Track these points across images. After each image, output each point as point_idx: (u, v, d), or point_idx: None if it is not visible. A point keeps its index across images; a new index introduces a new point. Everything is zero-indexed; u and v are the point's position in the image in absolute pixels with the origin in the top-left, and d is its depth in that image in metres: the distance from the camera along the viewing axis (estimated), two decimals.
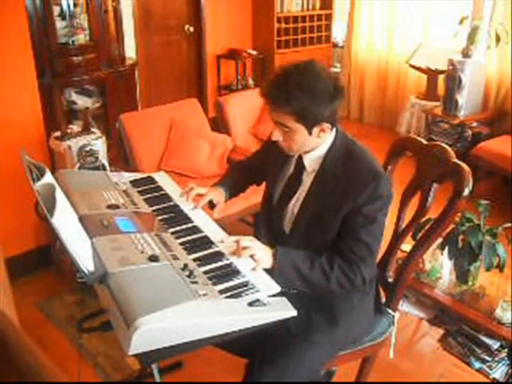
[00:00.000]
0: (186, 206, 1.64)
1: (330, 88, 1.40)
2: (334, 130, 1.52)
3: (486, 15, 4.25)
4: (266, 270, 1.39)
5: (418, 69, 4.70)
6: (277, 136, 1.49)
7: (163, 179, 1.84)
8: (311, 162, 1.53)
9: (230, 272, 1.33)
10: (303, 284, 1.45)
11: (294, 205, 1.57)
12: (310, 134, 1.44)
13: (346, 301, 1.57)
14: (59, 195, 1.29)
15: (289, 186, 1.59)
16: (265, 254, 1.42)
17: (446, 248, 2.49)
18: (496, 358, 2.29)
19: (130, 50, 4.30)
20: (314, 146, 1.50)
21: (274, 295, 1.29)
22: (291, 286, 1.45)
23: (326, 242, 1.51)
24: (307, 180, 1.55)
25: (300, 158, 1.55)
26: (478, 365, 2.28)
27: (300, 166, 1.56)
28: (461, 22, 4.32)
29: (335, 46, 5.73)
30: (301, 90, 1.36)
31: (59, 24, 3.55)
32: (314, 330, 1.53)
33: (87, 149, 2.62)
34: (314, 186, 1.53)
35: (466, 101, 4.12)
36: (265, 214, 1.70)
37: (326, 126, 1.44)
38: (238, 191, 1.86)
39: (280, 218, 1.61)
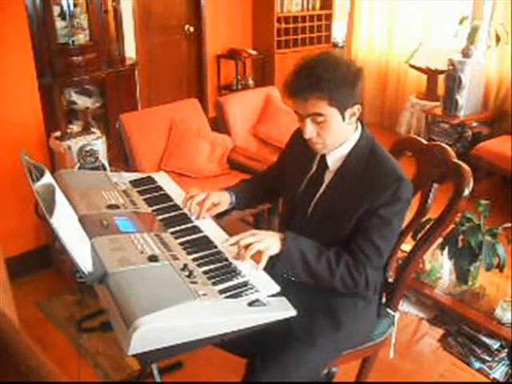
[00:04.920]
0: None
1: (352, 69, 1.42)
2: (360, 129, 1.52)
3: (486, 15, 4.25)
4: (272, 258, 1.38)
5: (418, 69, 4.70)
6: (310, 132, 1.45)
7: (163, 179, 1.84)
8: (334, 161, 1.52)
9: (230, 272, 1.33)
10: (307, 274, 1.44)
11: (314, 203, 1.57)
12: (344, 118, 1.44)
13: (350, 306, 1.57)
14: (58, 195, 1.28)
15: (310, 185, 1.58)
16: (271, 241, 1.40)
17: (446, 248, 2.49)
18: (496, 358, 2.29)
19: (130, 50, 4.30)
20: (346, 136, 1.49)
21: (273, 295, 1.29)
22: (294, 274, 1.44)
23: (338, 240, 1.50)
24: (328, 179, 1.54)
25: (323, 157, 1.54)
26: (478, 365, 2.27)
27: (323, 166, 1.55)
28: (461, 22, 4.32)
29: (335, 45, 5.72)
30: (329, 73, 1.37)
31: (59, 24, 3.55)
32: (316, 333, 1.52)
33: (87, 149, 2.62)
34: (333, 183, 1.52)
35: (466, 101, 4.12)
36: (285, 215, 1.69)
37: (357, 107, 1.45)
38: (249, 200, 1.78)
39: (302, 217, 1.59)
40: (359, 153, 1.50)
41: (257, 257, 1.39)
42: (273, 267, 1.38)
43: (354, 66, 1.43)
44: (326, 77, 1.37)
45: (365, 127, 1.55)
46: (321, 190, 1.55)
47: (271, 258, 1.40)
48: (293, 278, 1.46)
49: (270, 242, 1.40)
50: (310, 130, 1.45)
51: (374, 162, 1.49)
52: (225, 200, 1.67)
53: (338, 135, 1.48)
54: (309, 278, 1.45)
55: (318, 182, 1.56)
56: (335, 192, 1.51)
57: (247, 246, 1.38)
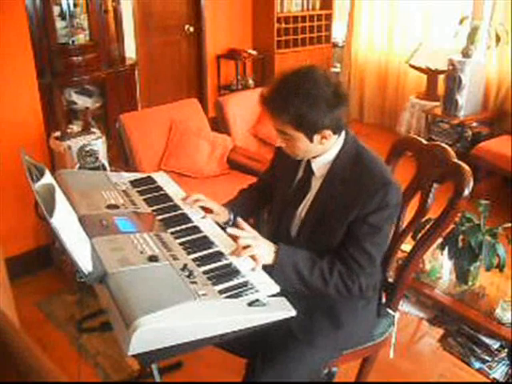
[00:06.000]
0: (186, 207, 1.64)
1: (329, 95, 1.37)
2: (344, 134, 1.50)
3: (486, 15, 4.26)
4: (266, 268, 1.39)
5: (418, 69, 4.70)
6: (280, 142, 1.49)
7: (163, 179, 1.84)
8: (319, 167, 1.52)
9: (230, 272, 1.33)
10: (301, 284, 1.45)
11: (303, 209, 1.56)
12: (312, 141, 1.43)
13: (349, 305, 1.57)
14: (59, 195, 1.28)
15: (298, 190, 1.58)
16: (266, 250, 1.41)
17: (446, 248, 2.49)
18: (496, 358, 2.29)
19: (130, 50, 4.30)
20: (320, 151, 1.49)
21: (273, 295, 1.29)
22: (290, 285, 1.45)
23: (331, 247, 1.50)
24: (316, 185, 1.54)
25: (308, 162, 1.54)
26: (478, 365, 2.27)
27: (309, 171, 1.55)
28: (461, 22, 4.32)
29: (335, 45, 5.73)
30: (297, 97, 1.36)
31: (59, 24, 3.55)
32: (316, 333, 1.53)
33: (87, 149, 2.62)
34: (322, 191, 1.52)
35: (466, 101, 4.12)
36: (273, 218, 1.69)
37: (328, 133, 1.42)
38: (247, 213, 1.80)
39: (288, 222, 1.60)
40: (345, 158, 1.49)
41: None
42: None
43: (332, 92, 1.38)
44: (294, 103, 1.36)
45: (348, 131, 1.52)
46: (311, 197, 1.54)
47: (265, 267, 1.40)
48: (290, 289, 1.46)
49: (265, 251, 1.41)
50: (279, 141, 1.49)
51: (360, 167, 1.47)
52: (223, 214, 1.68)
53: (307, 152, 1.48)
54: (303, 287, 1.46)
55: (306, 188, 1.56)
56: (324, 199, 1.51)
57: (245, 247, 1.39)
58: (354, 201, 1.43)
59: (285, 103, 1.37)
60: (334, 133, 1.44)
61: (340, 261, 1.46)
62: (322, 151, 1.49)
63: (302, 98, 1.35)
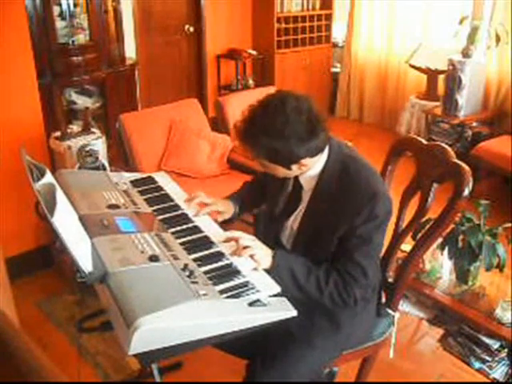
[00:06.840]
0: (187, 207, 1.64)
1: (301, 131, 1.34)
2: (327, 147, 1.48)
3: (486, 15, 4.26)
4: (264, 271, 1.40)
5: (418, 69, 4.70)
6: (260, 167, 1.51)
7: (163, 179, 1.84)
8: (307, 180, 1.52)
9: (231, 272, 1.33)
10: (297, 290, 1.44)
11: (294, 221, 1.57)
12: (290, 169, 1.44)
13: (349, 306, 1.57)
14: (60, 195, 1.28)
15: (289, 202, 1.59)
16: (264, 255, 1.42)
17: (446, 248, 2.49)
18: (496, 358, 2.29)
19: (130, 50, 4.30)
20: (302, 172, 1.49)
21: (274, 295, 1.29)
22: (285, 290, 1.45)
23: (326, 259, 1.50)
24: (306, 197, 1.54)
25: (296, 177, 1.54)
26: (478, 365, 2.28)
27: (298, 185, 1.55)
28: (461, 22, 4.32)
29: (335, 46, 5.73)
30: (267, 136, 1.35)
31: (59, 24, 3.55)
32: (316, 333, 1.53)
33: (87, 149, 2.62)
34: (312, 205, 1.52)
35: (466, 101, 4.12)
36: (263, 225, 1.70)
37: (305, 161, 1.41)
38: (251, 206, 1.83)
39: (278, 231, 1.61)
40: (330, 171, 1.48)
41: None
42: None
43: (305, 128, 1.34)
44: (263, 142, 1.35)
45: (332, 142, 1.49)
46: (302, 210, 1.55)
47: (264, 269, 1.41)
48: (285, 294, 1.46)
49: (262, 255, 1.41)
50: (259, 166, 1.50)
51: (346, 181, 1.46)
52: (229, 210, 1.70)
53: (288, 175, 1.49)
54: (298, 294, 1.45)
55: (296, 200, 1.57)
56: (315, 214, 1.51)
57: (245, 247, 1.40)
58: (342, 216, 1.43)
59: (256, 142, 1.38)
60: (313, 156, 1.43)
61: (335, 271, 1.46)
62: (305, 171, 1.49)
63: (273, 137, 1.34)
